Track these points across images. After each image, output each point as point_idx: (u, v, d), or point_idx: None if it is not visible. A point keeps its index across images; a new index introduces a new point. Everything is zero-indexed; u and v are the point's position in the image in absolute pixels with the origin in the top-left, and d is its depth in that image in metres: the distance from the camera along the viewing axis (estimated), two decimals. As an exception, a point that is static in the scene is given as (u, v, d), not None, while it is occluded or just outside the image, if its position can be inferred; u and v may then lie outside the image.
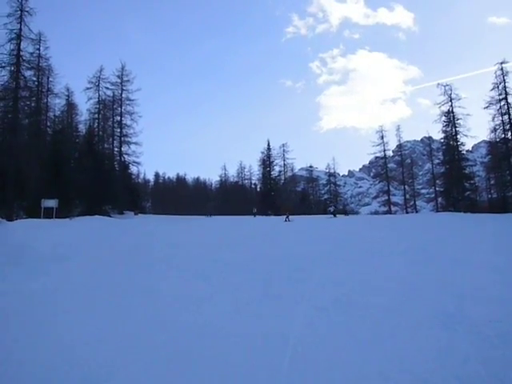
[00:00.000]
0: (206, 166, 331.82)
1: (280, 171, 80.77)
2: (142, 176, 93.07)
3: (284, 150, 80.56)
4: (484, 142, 65.17)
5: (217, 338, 7.15)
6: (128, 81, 58.63)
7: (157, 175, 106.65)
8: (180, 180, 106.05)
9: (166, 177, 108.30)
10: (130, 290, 10.76)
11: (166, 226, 34.04)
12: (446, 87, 56.46)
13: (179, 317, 8.35)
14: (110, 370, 5.91)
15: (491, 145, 54.60)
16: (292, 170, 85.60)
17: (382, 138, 69.45)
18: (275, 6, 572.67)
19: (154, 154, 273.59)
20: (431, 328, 7.27)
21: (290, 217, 39.70)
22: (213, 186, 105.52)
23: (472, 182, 57.98)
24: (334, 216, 42.95)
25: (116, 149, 57.14)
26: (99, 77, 56.91)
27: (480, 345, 6.40)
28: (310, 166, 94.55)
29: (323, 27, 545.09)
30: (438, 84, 57.29)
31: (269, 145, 79.42)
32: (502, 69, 50.14)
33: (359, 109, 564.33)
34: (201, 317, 8.37)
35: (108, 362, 6.14)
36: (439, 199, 61.39)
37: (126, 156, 57.49)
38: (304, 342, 6.78)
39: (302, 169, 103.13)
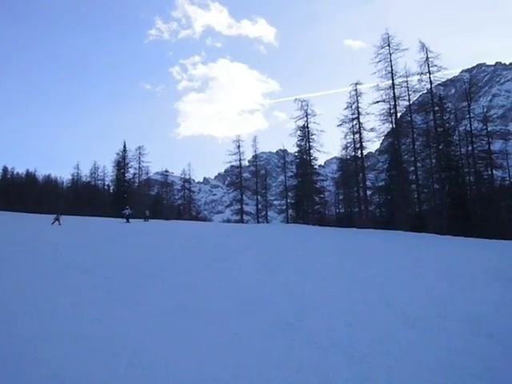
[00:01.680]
0: (58, 163, 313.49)
1: (135, 174, 78.82)
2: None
3: (140, 153, 78.42)
4: (336, 158, 68.67)
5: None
6: None
7: (5, 170, 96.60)
8: (30, 176, 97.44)
9: (15, 172, 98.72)
10: None
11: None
12: (303, 103, 58.15)
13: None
14: None
15: (342, 161, 57.44)
16: (147, 173, 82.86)
17: (239, 147, 69.59)
18: (140, 7, 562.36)
19: (3, 147, 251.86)
20: (270, 335, 7.53)
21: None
22: (64, 184, 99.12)
23: (322, 196, 60.60)
24: (127, 221, 40.83)
25: None
26: None
27: (315, 353, 6.66)
28: (166, 171, 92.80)
29: (186, 33, 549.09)
30: (296, 99, 58.67)
31: (125, 146, 76.97)
32: (356, 89, 52.89)
33: (217, 117, 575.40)
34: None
35: None
36: (290, 211, 62.88)
37: None
38: (143, 347, 6.70)
39: (157, 173, 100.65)
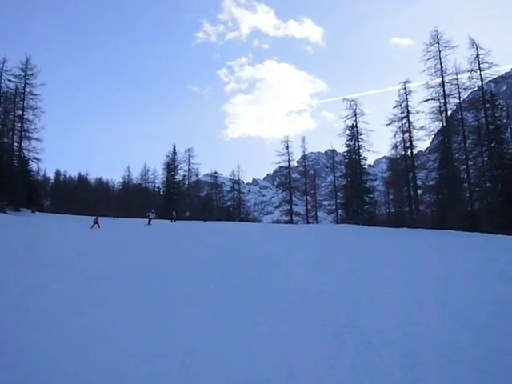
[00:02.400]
0: (110, 166, 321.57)
1: (184, 176, 79.78)
2: (41, 173, 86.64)
3: (189, 155, 79.41)
4: (385, 157, 68.02)
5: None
6: (32, 74, 56.12)
7: (57, 173, 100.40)
8: (82, 179, 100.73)
9: (68, 175, 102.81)
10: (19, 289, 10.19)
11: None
12: (352, 102, 58.28)
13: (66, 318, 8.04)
14: None
15: (391, 161, 56.96)
16: (196, 175, 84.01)
17: (287, 148, 70.00)
18: (187, 10, 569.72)
19: (56, 151, 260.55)
20: (322, 336, 7.37)
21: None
22: (115, 187, 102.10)
23: (372, 195, 60.22)
24: (149, 223, 41.36)
25: (16, 144, 54.63)
26: (2, 68, 54.06)
27: (367, 354, 6.51)
28: (215, 172, 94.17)
29: (233, 35, 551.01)
30: (344, 99, 58.75)
31: (174, 148, 78.40)
32: (405, 88, 52.47)
33: (265, 119, 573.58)
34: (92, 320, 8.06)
35: None
36: (339, 211, 62.99)
37: (25, 152, 55.07)
38: (195, 347, 6.75)
39: (206, 174, 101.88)
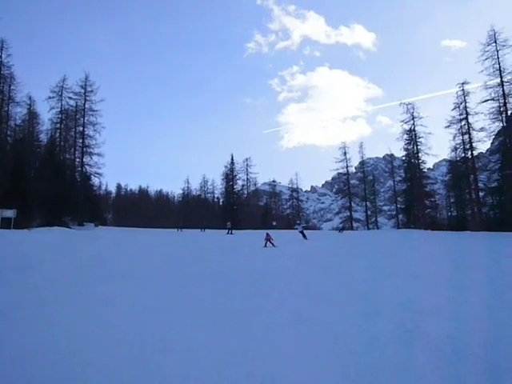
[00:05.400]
0: (169, 178, 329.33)
1: (243, 185, 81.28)
2: (103, 187, 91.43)
3: (247, 165, 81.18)
4: (445, 160, 66.95)
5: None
6: (92, 91, 58.51)
7: (119, 187, 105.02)
8: (142, 192, 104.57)
9: (128, 189, 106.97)
10: (90, 301, 10.42)
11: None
12: (409, 106, 58.39)
13: (140, 329, 8.01)
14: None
15: (451, 163, 55.99)
16: (255, 184, 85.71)
17: (345, 154, 70.70)
18: (237, 21, 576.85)
19: (117, 165, 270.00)
20: (389, 343, 7.15)
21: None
22: (175, 199, 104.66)
23: (432, 199, 59.53)
24: (231, 233, 42.85)
25: (78, 159, 56.76)
26: (62, 86, 56.82)
27: (436, 361, 6.34)
28: (273, 181, 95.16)
29: (284, 44, 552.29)
30: (401, 103, 59.00)
31: (232, 159, 79.50)
32: (463, 89, 52.00)
33: (320, 126, 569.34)
34: (172, 330, 8.02)
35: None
36: (400, 216, 62.62)
37: (87, 167, 57.25)
38: (262, 356, 6.66)
39: (264, 183, 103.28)
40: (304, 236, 32.51)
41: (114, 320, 8.66)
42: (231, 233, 44.72)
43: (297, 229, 35.71)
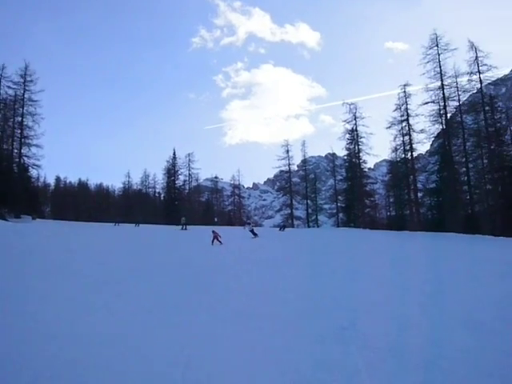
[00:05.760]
0: (110, 172, 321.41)
1: (185, 181, 79.85)
2: (42, 180, 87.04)
3: (189, 160, 79.43)
4: (385, 160, 67.96)
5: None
6: (31, 81, 57.19)
7: (58, 179, 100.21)
8: (82, 185, 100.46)
9: (68, 181, 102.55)
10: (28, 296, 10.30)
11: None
12: (351, 106, 58.69)
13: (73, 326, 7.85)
14: None
15: (392, 164, 57.03)
16: (197, 180, 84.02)
17: (288, 152, 70.47)
18: (183, 16, 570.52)
19: (56, 157, 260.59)
20: (325, 340, 7.34)
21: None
22: (116, 193, 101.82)
23: (372, 199, 60.46)
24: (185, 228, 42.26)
25: (15, 150, 55.57)
26: (1, 75, 54.76)
27: (371, 357, 6.48)
28: (215, 177, 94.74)
29: (229, 40, 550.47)
30: (344, 102, 59.11)
31: (174, 154, 78.40)
32: (404, 91, 52.75)
33: (263, 123, 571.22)
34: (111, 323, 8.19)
35: None
36: (340, 214, 62.94)
37: (25, 158, 56.04)
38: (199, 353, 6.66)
39: (207, 179, 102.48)
40: (254, 234, 32.34)
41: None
42: (185, 228, 43.72)
43: (246, 228, 35.54)
